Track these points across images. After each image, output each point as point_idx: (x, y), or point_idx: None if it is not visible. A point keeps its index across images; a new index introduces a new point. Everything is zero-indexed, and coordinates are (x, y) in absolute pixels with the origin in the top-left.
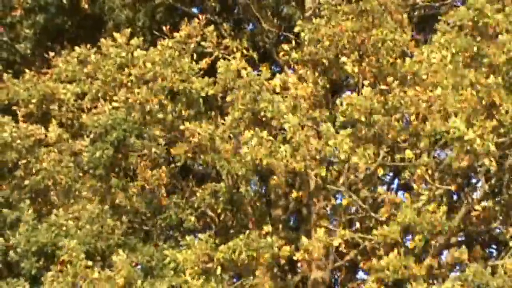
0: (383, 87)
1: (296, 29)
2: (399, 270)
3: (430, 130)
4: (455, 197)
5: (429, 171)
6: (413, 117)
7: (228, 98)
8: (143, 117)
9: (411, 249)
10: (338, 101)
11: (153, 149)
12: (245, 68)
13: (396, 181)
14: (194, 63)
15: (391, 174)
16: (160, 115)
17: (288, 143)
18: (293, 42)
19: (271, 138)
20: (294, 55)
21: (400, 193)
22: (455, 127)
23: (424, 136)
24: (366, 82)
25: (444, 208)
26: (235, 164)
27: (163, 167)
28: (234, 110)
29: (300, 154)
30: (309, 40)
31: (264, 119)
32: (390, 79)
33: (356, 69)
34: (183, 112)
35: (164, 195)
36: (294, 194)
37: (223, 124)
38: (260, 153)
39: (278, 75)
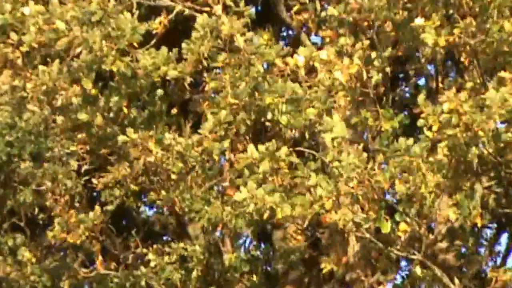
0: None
1: None
2: None
3: None
4: None
5: None
6: None
7: (212, 84)
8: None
9: None
10: (419, 99)
11: (65, 180)
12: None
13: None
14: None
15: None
16: (83, 116)
17: (327, 173)
18: None
19: (296, 159)
20: (332, 11)
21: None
22: None
23: None
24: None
25: None
26: (219, 211)
27: (98, 210)
28: (219, 108)
29: (348, 192)
30: None
31: (269, 124)
32: None
33: (442, 41)
34: (123, 110)
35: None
36: (326, 266)
37: (198, 134)
38: (272, 199)
39: (302, 49)
